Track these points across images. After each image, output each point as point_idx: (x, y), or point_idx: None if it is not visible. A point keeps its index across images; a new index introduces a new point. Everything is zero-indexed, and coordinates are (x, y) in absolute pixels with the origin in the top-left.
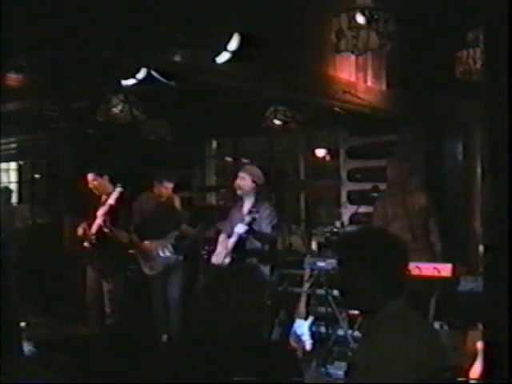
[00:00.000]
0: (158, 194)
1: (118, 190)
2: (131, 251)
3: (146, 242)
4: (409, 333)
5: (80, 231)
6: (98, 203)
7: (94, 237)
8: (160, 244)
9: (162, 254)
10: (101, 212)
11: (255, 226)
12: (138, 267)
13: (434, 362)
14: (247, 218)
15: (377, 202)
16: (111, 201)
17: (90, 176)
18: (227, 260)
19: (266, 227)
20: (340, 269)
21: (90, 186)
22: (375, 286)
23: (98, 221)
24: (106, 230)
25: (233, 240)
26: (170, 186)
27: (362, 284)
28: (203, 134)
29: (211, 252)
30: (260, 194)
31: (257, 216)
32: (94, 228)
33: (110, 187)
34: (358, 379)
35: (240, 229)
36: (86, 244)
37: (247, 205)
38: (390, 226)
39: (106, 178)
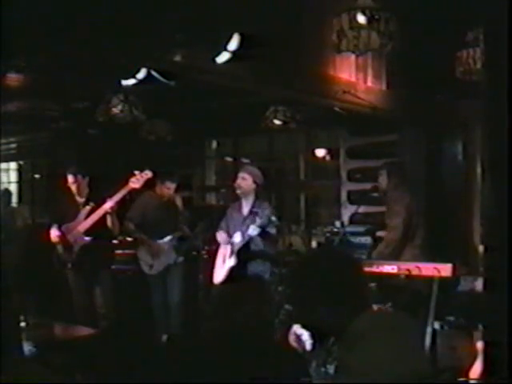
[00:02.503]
0: (160, 194)
1: (149, 172)
2: (130, 251)
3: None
4: (385, 346)
5: (55, 234)
6: (75, 203)
7: (84, 236)
8: (162, 244)
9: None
10: (114, 199)
11: (251, 231)
12: (138, 267)
13: (412, 367)
14: (259, 220)
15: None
16: (137, 184)
17: (73, 177)
18: (232, 262)
19: (268, 228)
20: (298, 309)
21: (71, 187)
22: (337, 313)
23: (106, 206)
24: (109, 221)
25: (240, 242)
26: (172, 186)
27: (324, 316)
28: (203, 133)
29: (211, 252)
30: (259, 194)
31: (261, 216)
32: (84, 225)
33: (86, 189)
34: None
35: (253, 231)
36: (68, 248)
37: (246, 205)
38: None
39: (86, 180)
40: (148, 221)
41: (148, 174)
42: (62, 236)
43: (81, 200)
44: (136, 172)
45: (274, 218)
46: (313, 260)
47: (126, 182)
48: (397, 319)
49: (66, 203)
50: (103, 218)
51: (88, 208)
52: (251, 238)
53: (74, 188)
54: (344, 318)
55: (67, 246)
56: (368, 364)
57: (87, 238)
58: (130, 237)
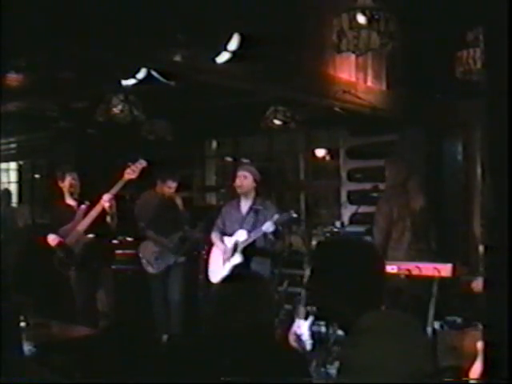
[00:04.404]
0: (161, 194)
1: (143, 161)
2: (130, 251)
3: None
4: (391, 345)
5: (54, 240)
6: (66, 205)
7: (86, 235)
8: (167, 242)
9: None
10: (111, 192)
11: (260, 224)
12: (138, 266)
13: (418, 367)
14: (276, 217)
15: (381, 203)
16: (133, 175)
17: (70, 176)
18: (237, 259)
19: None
20: (314, 284)
21: (70, 186)
22: (352, 298)
23: (104, 201)
24: (108, 217)
25: (246, 239)
26: (173, 185)
27: (337, 298)
28: (203, 133)
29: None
30: (260, 192)
31: (271, 213)
32: (83, 224)
33: (78, 189)
34: (353, 379)
35: (270, 227)
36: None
37: (245, 204)
38: (394, 226)
39: (78, 178)
40: (150, 220)
41: (143, 163)
42: (61, 240)
43: (74, 200)
44: (130, 163)
45: (295, 215)
46: (339, 245)
47: (122, 175)
48: (404, 318)
49: (59, 206)
50: (102, 214)
51: (84, 206)
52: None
53: (68, 187)
54: (360, 310)
55: (68, 249)
56: (371, 361)
57: (88, 236)
58: (140, 236)
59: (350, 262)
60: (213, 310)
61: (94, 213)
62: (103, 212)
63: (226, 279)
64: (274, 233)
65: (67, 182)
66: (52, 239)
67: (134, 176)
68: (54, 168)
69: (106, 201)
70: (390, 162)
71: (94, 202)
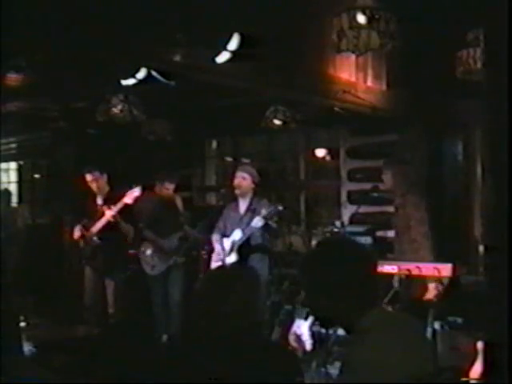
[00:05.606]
0: (160, 195)
1: (138, 189)
2: (132, 251)
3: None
4: (391, 344)
5: (77, 234)
6: (95, 203)
7: (95, 237)
8: (167, 243)
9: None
10: (112, 210)
11: (255, 222)
12: (139, 267)
13: (418, 366)
14: (264, 212)
15: (412, 198)
16: (128, 200)
17: (91, 175)
18: (232, 258)
19: (271, 221)
20: (307, 293)
21: (92, 185)
22: (346, 302)
23: (108, 217)
24: (119, 226)
25: (241, 238)
26: (171, 187)
27: (333, 304)
28: (203, 133)
29: (211, 252)
30: (257, 193)
31: (265, 208)
32: (97, 227)
33: (107, 187)
34: (355, 379)
35: (258, 222)
36: (85, 244)
37: (243, 204)
38: (412, 227)
39: (104, 177)
40: (149, 221)
41: (136, 191)
42: (82, 235)
43: (102, 200)
44: (134, 185)
45: (280, 208)
46: (329, 247)
47: (123, 195)
48: (406, 319)
49: (90, 201)
50: (111, 224)
51: (105, 208)
52: (252, 235)
53: (93, 187)
54: (356, 310)
55: (86, 242)
56: (373, 360)
57: (96, 239)
58: (140, 236)
59: (340, 266)
60: (198, 301)
61: (103, 220)
62: (112, 222)
63: (214, 269)
64: (268, 230)
65: (90, 183)
66: (77, 235)
67: (130, 201)
68: (53, 168)
69: (110, 215)
70: (391, 165)
71: (111, 205)
